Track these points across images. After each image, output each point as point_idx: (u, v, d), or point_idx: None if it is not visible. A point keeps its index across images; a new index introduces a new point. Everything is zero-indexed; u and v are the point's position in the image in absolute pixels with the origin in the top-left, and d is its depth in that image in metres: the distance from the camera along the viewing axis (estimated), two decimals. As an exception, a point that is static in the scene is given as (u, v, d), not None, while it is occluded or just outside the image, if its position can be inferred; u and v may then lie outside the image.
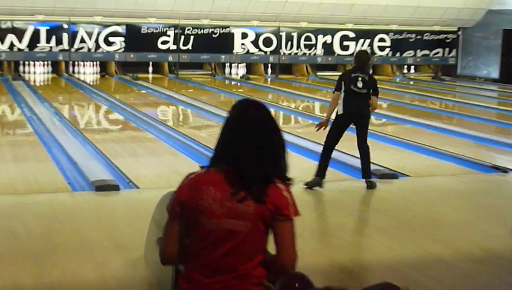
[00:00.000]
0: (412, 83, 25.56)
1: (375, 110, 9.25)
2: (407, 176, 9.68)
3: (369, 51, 25.99)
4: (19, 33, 22.90)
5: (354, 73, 8.74)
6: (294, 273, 4.38)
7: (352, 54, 26.03)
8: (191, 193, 2.91)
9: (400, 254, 6.27)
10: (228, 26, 24.72)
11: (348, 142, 9.15)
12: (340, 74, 9.63)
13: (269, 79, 24.82)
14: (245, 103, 3.08)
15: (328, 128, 8.81)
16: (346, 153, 10.05)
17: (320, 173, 8.59)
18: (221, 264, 2.88)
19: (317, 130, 8.95)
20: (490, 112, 18.01)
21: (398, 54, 26.65)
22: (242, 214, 2.86)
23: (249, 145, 2.92)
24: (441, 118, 16.34)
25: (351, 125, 8.71)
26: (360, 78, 8.61)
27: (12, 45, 22.86)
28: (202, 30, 24.54)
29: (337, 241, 6.61)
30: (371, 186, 8.54)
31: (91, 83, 22.05)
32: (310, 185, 8.48)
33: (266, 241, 2.96)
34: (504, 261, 6.23)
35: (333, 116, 8.82)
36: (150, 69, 24.85)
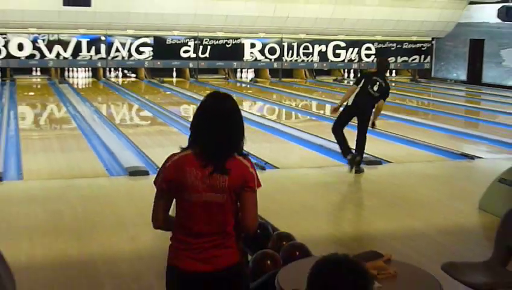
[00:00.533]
0: (393, 84, 25.34)
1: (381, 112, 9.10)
2: (390, 162, 9.66)
3: (357, 58, 26.06)
4: (64, 44, 22.87)
5: (375, 76, 8.72)
6: (295, 243, 4.37)
7: (343, 61, 26.02)
8: (176, 172, 2.93)
9: (385, 228, 6.25)
10: (239, 38, 24.63)
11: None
12: (357, 75, 9.69)
13: (274, 82, 24.75)
14: (216, 96, 3.06)
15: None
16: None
17: (345, 151, 8.64)
18: (206, 229, 2.92)
19: (331, 113, 9.15)
20: (459, 108, 17.97)
21: (381, 60, 26.46)
22: (219, 188, 2.88)
23: (220, 130, 2.92)
24: (418, 113, 16.29)
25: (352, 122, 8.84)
26: (378, 83, 8.61)
27: (58, 54, 22.83)
28: (217, 41, 24.47)
29: (331, 217, 6.59)
30: (358, 171, 8.50)
31: (124, 86, 22.01)
32: (353, 167, 8.54)
33: (235, 209, 2.97)
34: (472, 234, 6.22)
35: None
36: (174, 74, 24.75)
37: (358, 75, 8.91)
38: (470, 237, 6.04)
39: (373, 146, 10.70)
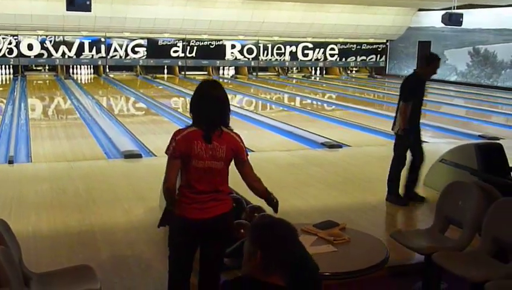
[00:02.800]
0: (353, 80, 25.49)
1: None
2: (349, 146, 9.68)
3: (323, 57, 26.05)
4: (69, 45, 22.57)
5: None
6: (265, 214, 4.36)
7: (310, 60, 25.99)
8: (186, 144, 3.13)
9: (343, 201, 6.26)
10: (221, 40, 24.48)
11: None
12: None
13: (251, 78, 24.68)
14: (211, 83, 3.27)
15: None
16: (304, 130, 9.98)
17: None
18: (207, 188, 3.18)
19: None
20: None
21: (343, 59, 26.52)
22: (218, 157, 3.14)
23: (216, 111, 3.16)
24: (374, 105, 16.33)
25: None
26: None
27: (64, 53, 22.53)
28: (202, 42, 24.31)
29: (297, 192, 6.57)
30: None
31: (122, 81, 21.80)
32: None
33: (228, 172, 3.25)
34: (417, 207, 6.20)
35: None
36: (165, 71, 24.54)
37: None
38: (416, 209, 6.07)
39: (335, 133, 10.78)
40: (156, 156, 8.34)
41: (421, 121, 6.31)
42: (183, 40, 23.97)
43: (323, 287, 3.18)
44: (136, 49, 23.54)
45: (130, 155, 8.33)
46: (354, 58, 26.48)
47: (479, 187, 4.26)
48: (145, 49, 23.64)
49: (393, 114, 6.29)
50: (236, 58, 25.00)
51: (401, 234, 4.27)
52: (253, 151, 9.07)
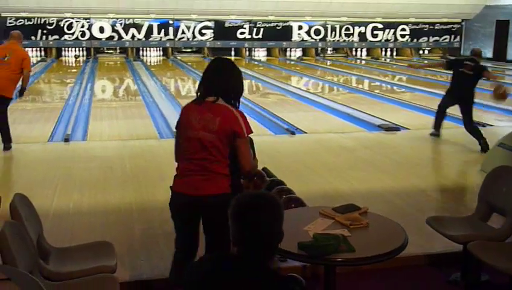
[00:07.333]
0: (426, 61, 24.55)
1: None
2: (408, 129, 9.32)
3: (393, 38, 25.26)
4: (138, 27, 23.05)
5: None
6: (292, 196, 4.25)
7: (380, 41, 25.30)
8: (184, 116, 3.15)
9: (389, 185, 5.99)
10: (288, 21, 24.25)
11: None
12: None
13: (318, 59, 24.33)
14: (217, 58, 3.27)
15: None
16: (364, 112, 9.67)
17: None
18: (196, 162, 3.08)
19: None
20: (484, 83, 17.12)
21: (415, 40, 25.63)
22: (211, 129, 3.03)
23: (212, 81, 3.13)
24: (447, 87, 15.58)
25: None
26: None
27: (133, 36, 23.04)
28: (269, 24, 24.17)
29: (342, 174, 6.36)
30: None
31: (189, 64, 22.05)
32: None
33: (225, 149, 3.07)
34: (468, 193, 5.85)
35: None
36: (232, 52, 24.56)
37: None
38: (466, 195, 5.74)
39: (398, 115, 10.44)
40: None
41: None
42: (249, 21, 23.93)
43: (335, 274, 3.04)
44: (203, 31, 23.72)
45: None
46: (426, 38, 25.52)
47: (526, 173, 3.94)
48: (212, 31, 23.79)
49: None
50: (303, 39, 24.70)
51: (438, 220, 4.02)
52: (305, 132, 8.93)
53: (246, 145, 3.06)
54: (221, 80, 3.10)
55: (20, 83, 7.40)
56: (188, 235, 3.24)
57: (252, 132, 3.12)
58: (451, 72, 8.20)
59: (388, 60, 24.40)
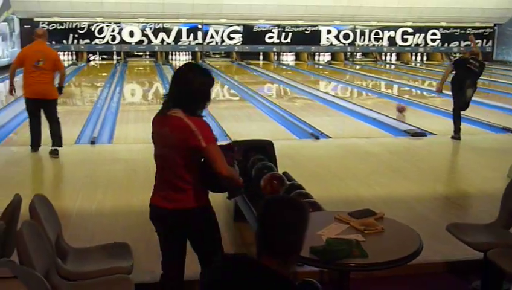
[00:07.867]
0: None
1: None
2: (435, 134, 9.20)
3: (423, 43, 24.95)
4: (168, 32, 23.29)
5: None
6: (310, 200, 4.21)
7: (410, 45, 25.04)
8: (153, 130, 3.10)
9: (412, 191, 5.92)
10: (317, 25, 24.21)
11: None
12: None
13: (347, 64, 24.20)
14: (186, 65, 3.13)
15: None
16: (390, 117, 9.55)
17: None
18: (165, 177, 3.03)
19: None
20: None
21: (446, 45, 25.31)
22: (170, 145, 2.93)
23: (172, 90, 3.02)
24: (479, 94, 15.22)
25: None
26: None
27: (162, 40, 23.29)
28: (298, 28, 24.16)
29: (365, 179, 6.31)
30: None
31: (218, 68, 22.16)
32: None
33: (190, 164, 2.94)
34: (493, 199, 5.74)
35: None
36: (261, 57, 24.63)
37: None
38: (490, 202, 5.62)
39: (427, 121, 10.32)
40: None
41: None
42: (278, 26, 23.95)
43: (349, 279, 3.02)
44: (232, 35, 23.83)
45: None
46: (457, 43, 25.19)
47: (550, 180, 3.86)
48: (240, 35, 23.88)
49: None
50: (331, 43, 24.61)
51: (458, 227, 3.96)
52: (330, 137, 8.89)
53: (213, 152, 2.86)
54: (181, 90, 2.94)
55: (57, 80, 7.58)
56: (169, 248, 3.20)
57: (215, 139, 2.96)
58: (455, 71, 9.09)
59: (418, 65, 24.14)
